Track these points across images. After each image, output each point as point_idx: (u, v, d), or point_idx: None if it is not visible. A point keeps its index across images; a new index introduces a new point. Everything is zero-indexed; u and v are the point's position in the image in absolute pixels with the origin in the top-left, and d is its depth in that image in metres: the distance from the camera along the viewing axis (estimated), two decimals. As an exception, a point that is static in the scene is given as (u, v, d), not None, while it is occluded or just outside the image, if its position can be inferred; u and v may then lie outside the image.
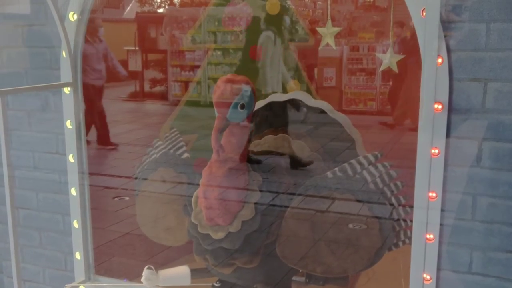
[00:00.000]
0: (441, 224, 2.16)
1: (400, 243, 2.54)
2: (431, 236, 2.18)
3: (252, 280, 2.70)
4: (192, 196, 2.64)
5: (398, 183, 2.53)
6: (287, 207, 2.61)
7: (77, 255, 2.92)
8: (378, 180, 2.53)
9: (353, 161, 2.60)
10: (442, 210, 2.15)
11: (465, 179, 2.11)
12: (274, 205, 2.58)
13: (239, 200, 2.51)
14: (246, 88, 2.46)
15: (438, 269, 2.20)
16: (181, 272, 2.68)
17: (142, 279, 2.62)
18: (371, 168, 2.56)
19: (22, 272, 3.16)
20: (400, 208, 2.52)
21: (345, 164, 2.60)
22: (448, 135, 2.09)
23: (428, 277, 2.22)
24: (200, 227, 2.54)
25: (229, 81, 2.46)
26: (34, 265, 3.11)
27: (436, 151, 2.11)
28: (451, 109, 2.07)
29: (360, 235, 2.55)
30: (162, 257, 3.49)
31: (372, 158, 2.59)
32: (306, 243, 2.59)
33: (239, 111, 2.43)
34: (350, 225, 2.57)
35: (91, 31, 6.03)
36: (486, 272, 2.15)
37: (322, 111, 3.06)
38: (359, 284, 3.08)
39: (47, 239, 3.04)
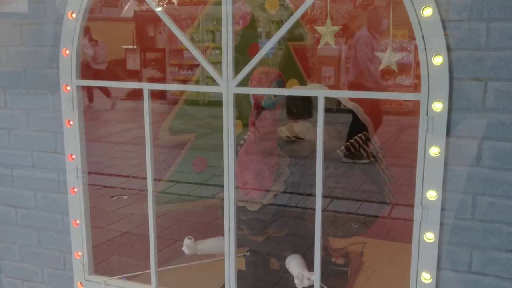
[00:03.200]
0: (441, 224, 2.16)
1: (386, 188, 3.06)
2: (431, 235, 2.18)
3: (281, 248, 2.94)
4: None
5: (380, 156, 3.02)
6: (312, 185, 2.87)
7: (76, 255, 2.92)
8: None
9: (352, 140, 3.01)
10: (442, 210, 2.15)
11: (465, 179, 2.11)
12: (300, 181, 2.90)
13: (271, 176, 2.82)
14: (278, 79, 2.74)
15: (438, 268, 2.20)
16: (216, 242, 2.96)
17: (183, 248, 2.99)
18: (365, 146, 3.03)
19: (20, 271, 3.15)
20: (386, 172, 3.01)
21: (348, 144, 3.01)
22: (448, 134, 2.09)
23: (428, 277, 2.22)
24: (237, 200, 2.73)
25: (264, 72, 2.74)
26: (33, 265, 3.10)
27: (436, 150, 2.11)
28: (451, 108, 2.07)
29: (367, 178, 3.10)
30: (160, 256, 3.49)
31: (363, 137, 3.01)
32: (329, 213, 3.03)
33: (272, 99, 2.73)
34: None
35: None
36: (485, 272, 2.15)
37: (338, 102, 3.21)
38: (358, 284, 3.08)
39: (45, 239, 3.03)
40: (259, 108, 2.72)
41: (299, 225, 2.93)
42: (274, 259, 3.05)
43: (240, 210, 2.80)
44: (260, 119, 2.75)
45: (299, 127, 3.22)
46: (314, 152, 3.05)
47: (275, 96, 2.73)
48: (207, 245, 3.01)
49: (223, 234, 2.77)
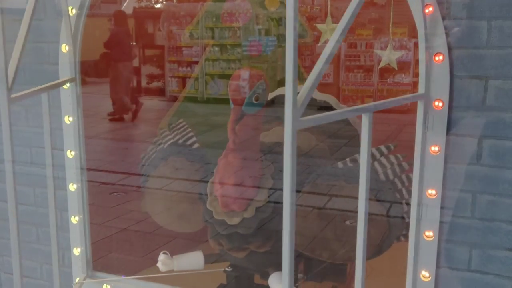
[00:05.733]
0: (440, 222, 2.16)
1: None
2: (431, 233, 2.18)
3: (264, 264, 2.76)
4: (206, 184, 2.71)
5: (410, 175, 2.56)
6: (298, 192, 2.67)
7: (75, 251, 2.91)
8: (389, 171, 2.59)
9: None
10: (441, 208, 2.15)
11: (465, 177, 2.11)
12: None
13: (253, 187, 2.59)
14: (261, 81, 2.52)
15: (437, 266, 2.21)
16: (194, 257, 2.78)
17: (158, 264, 2.71)
18: (383, 160, 2.62)
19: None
20: (411, 199, 2.55)
21: (357, 155, 2.64)
22: (448, 132, 2.09)
23: (427, 275, 2.22)
24: (216, 213, 2.60)
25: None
26: (32, 261, 3.10)
27: (436, 148, 2.11)
28: (451, 106, 2.07)
29: (368, 225, 2.61)
30: (159, 254, 3.49)
31: (384, 150, 2.65)
32: (314, 229, 2.66)
33: (253, 103, 2.50)
34: (352, 221, 2.61)
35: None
36: (485, 270, 2.15)
37: (328, 104, 3.11)
38: (357, 281, 3.08)
39: (44, 235, 3.03)
40: (240, 112, 2.50)
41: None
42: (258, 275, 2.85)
43: (219, 224, 2.62)
44: (240, 125, 2.53)
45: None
46: (301, 157, 2.84)
47: (257, 99, 2.51)
48: (184, 260, 2.79)
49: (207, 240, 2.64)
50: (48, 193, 2.52)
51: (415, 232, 2.21)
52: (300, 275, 2.96)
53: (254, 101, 2.50)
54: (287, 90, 1.41)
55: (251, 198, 2.58)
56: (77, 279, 2.93)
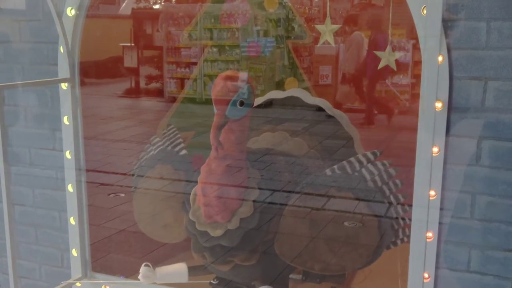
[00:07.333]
0: (440, 223, 2.16)
1: (399, 242, 2.55)
2: (430, 234, 2.18)
3: (250, 277, 2.69)
4: (190, 193, 2.62)
5: (397, 181, 2.54)
6: (285, 204, 2.60)
7: (74, 252, 2.91)
8: (377, 178, 2.54)
9: (352, 159, 2.60)
10: (441, 209, 2.15)
11: (464, 178, 2.11)
12: (272, 202, 2.57)
13: (238, 197, 2.49)
14: (246, 85, 2.43)
15: (437, 267, 2.21)
16: (178, 269, 2.69)
17: (140, 276, 2.61)
18: (370, 166, 2.56)
19: (18, 268, 3.14)
20: (399, 206, 2.52)
21: (344, 162, 2.60)
22: (447, 133, 2.09)
23: (426, 276, 2.22)
24: (198, 224, 2.52)
25: (228, 78, 2.45)
26: (30, 262, 3.09)
27: (436, 149, 2.11)
28: (451, 107, 2.07)
29: (359, 233, 2.55)
30: (158, 254, 3.48)
31: (371, 156, 2.60)
32: (304, 240, 2.59)
33: (238, 108, 2.41)
34: (348, 223, 2.58)
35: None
36: (484, 271, 2.16)
37: (320, 109, 3.06)
38: (355, 282, 3.08)
39: (43, 236, 3.03)
40: (223, 118, 2.38)
41: (270, 252, 2.58)
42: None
43: (201, 236, 2.51)
44: (224, 131, 2.42)
45: (277, 137, 2.94)
46: (291, 164, 2.80)
47: (242, 104, 2.40)
48: (167, 273, 2.68)
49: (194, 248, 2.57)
50: (1, 188, 2.47)
51: (415, 233, 2.21)
52: (298, 276, 2.95)
53: (238, 106, 2.41)
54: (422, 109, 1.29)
55: (235, 208, 2.48)
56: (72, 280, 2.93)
